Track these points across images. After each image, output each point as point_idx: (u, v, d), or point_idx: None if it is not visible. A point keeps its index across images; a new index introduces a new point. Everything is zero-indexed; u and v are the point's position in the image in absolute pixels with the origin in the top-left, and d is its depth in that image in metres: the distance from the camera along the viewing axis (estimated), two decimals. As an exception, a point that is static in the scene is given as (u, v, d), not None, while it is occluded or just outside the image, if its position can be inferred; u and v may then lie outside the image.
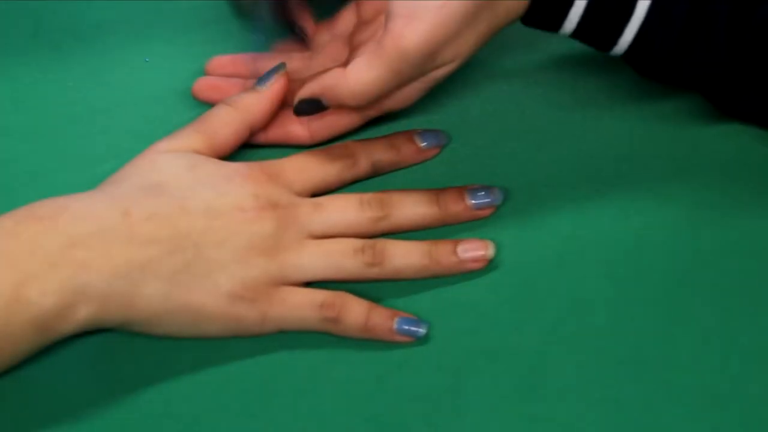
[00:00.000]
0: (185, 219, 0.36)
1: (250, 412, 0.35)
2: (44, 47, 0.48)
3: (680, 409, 0.34)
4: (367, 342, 0.37)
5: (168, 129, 0.41)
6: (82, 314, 0.33)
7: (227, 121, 0.41)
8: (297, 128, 0.42)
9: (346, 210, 0.39)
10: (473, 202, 0.40)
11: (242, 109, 0.41)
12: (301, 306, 0.36)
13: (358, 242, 0.38)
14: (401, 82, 0.38)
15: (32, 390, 0.35)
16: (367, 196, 0.39)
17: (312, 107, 0.40)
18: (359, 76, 0.37)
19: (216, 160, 0.39)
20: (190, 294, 0.35)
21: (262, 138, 0.42)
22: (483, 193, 0.40)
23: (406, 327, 0.36)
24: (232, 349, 0.37)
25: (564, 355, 0.36)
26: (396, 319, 0.36)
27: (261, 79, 0.42)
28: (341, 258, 0.37)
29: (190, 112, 0.45)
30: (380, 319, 0.36)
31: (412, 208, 0.39)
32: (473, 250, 0.38)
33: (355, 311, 0.36)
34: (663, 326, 0.37)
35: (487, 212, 0.40)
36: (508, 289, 0.38)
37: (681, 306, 0.37)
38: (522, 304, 0.38)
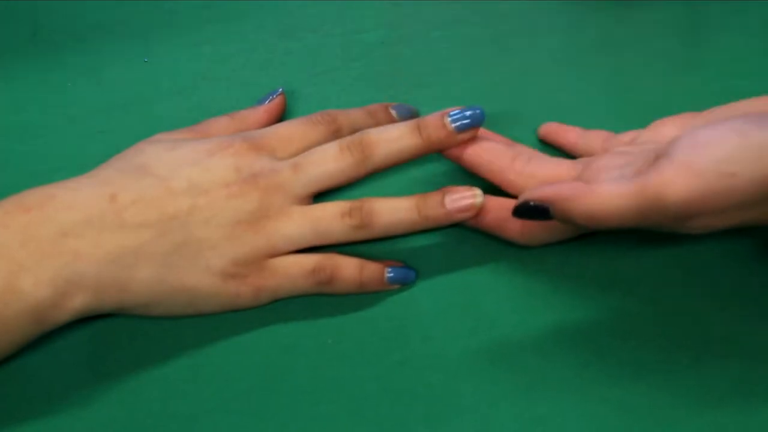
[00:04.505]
0: (171, 200, 0.36)
1: (250, 412, 0.35)
2: (43, 47, 0.49)
3: (680, 410, 0.34)
4: (366, 342, 0.37)
5: (167, 129, 0.41)
6: (77, 302, 0.34)
7: (222, 127, 0.41)
8: (512, 223, 0.38)
9: (326, 162, 0.38)
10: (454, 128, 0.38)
11: (238, 119, 0.42)
12: (293, 275, 0.37)
13: (344, 205, 0.38)
14: (638, 224, 0.33)
15: (28, 382, 0.36)
16: (346, 141, 0.39)
17: (534, 212, 0.35)
18: (605, 199, 0.32)
19: (197, 138, 0.39)
20: (182, 276, 0.35)
21: (479, 222, 0.39)
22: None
23: (398, 275, 0.38)
24: (232, 348, 0.37)
25: (564, 356, 0.36)
26: (387, 269, 0.38)
27: (260, 99, 0.44)
28: (328, 223, 0.37)
29: (190, 112, 0.45)
30: (373, 272, 0.38)
31: (391, 144, 0.38)
32: (461, 200, 0.38)
33: (347, 269, 0.37)
34: (663, 327, 0.37)
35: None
36: (508, 289, 0.38)
37: (682, 306, 0.37)
38: (522, 304, 0.38)
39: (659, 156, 0.33)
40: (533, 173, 0.38)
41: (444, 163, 0.42)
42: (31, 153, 0.44)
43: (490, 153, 0.39)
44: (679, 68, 0.46)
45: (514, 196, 0.38)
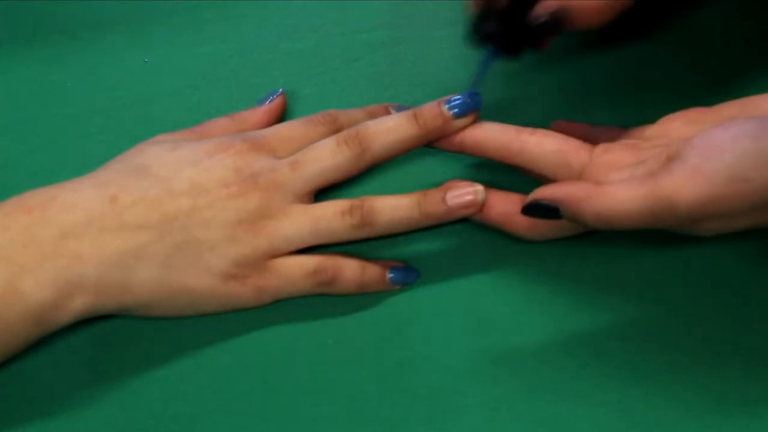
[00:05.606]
0: (171, 201, 0.36)
1: (250, 413, 0.35)
2: (43, 47, 0.48)
3: (680, 412, 0.34)
4: (367, 342, 0.37)
5: (167, 129, 0.41)
6: (78, 304, 0.34)
7: (222, 128, 0.41)
8: (519, 218, 0.37)
9: (324, 158, 0.38)
10: (450, 110, 0.38)
11: (238, 120, 0.42)
12: (295, 275, 0.37)
13: (345, 204, 0.37)
14: (648, 226, 0.33)
15: (29, 383, 0.36)
16: (342, 135, 0.38)
17: (543, 212, 0.34)
18: (615, 201, 0.32)
19: (197, 139, 0.39)
20: (183, 277, 0.36)
21: (485, 217, 0.38)
22: (458, 99, 0.38)
23: (399, 276, 0.38)
24: (232, 348, 0.37)
25: (564, 357, 0.36)
26: (388, 270, 0.38)
27: (260, 99, 0.43)
28: (329, 222, 0.37)
29: (189, 112, 0.45)
30: (374, 273, 0.38)
31: (388, 135, 0.38)
32: (462, 196, 0.38)
33: (349, 270, 0.37)
34: (663, 328, 0.37)
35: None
36: (508, 290, 0.38)
37: (682, 308, 0.37)
38: (522, 306, 0.38)
39: (671, 157, 0.32)
40: (540, 142, 0.37)
41: (444, 161, 0.42)
42: (31, 153, 0.44)
43: (491, 130, 0.39)
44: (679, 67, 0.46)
45: (520, 172, 0.38)
